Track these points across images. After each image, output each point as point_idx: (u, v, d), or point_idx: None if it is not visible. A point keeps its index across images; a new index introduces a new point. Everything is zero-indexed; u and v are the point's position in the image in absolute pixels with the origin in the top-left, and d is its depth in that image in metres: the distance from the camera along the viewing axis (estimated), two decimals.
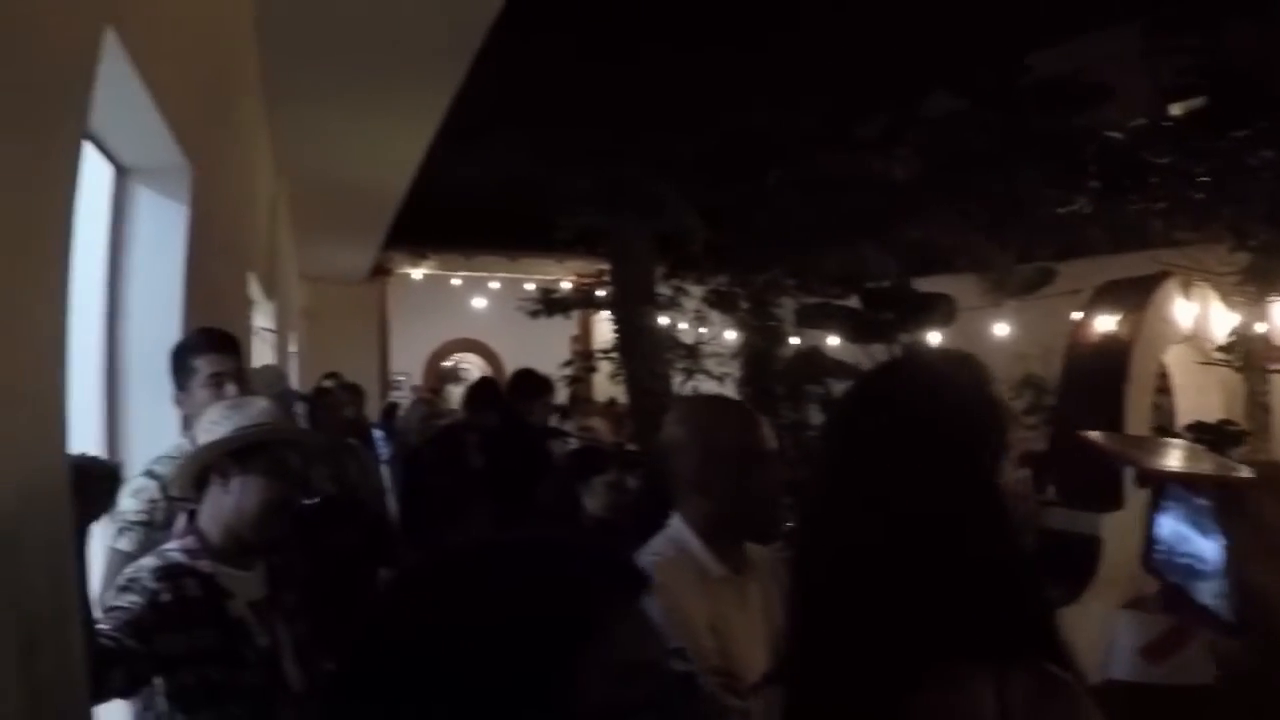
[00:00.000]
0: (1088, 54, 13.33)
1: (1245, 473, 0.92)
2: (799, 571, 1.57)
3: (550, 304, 13.19)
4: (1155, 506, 1.03)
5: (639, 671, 0.98)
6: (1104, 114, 10.92)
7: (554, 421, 7.46)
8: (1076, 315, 9.40)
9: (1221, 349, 8.59)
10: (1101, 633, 6.96)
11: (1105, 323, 8.61)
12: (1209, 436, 6.53)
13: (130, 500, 3.10)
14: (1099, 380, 8.39)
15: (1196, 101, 14.39)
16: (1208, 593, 0.94)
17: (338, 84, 7.18)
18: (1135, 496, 7.52)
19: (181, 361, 3.44)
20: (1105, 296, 8.96)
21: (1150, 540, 1.03)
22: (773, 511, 2.58)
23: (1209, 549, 0.94)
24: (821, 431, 1.69)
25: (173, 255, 3.61)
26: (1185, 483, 0.97)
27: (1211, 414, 8.46)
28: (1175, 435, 7.39)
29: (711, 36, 11.13)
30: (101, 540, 3.34)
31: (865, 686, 1.37)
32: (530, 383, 7.15)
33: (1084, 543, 7.35)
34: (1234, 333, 8.57)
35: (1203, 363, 8.95)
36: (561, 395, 13.10)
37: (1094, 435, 1.04)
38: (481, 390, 7.71)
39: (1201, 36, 14.29)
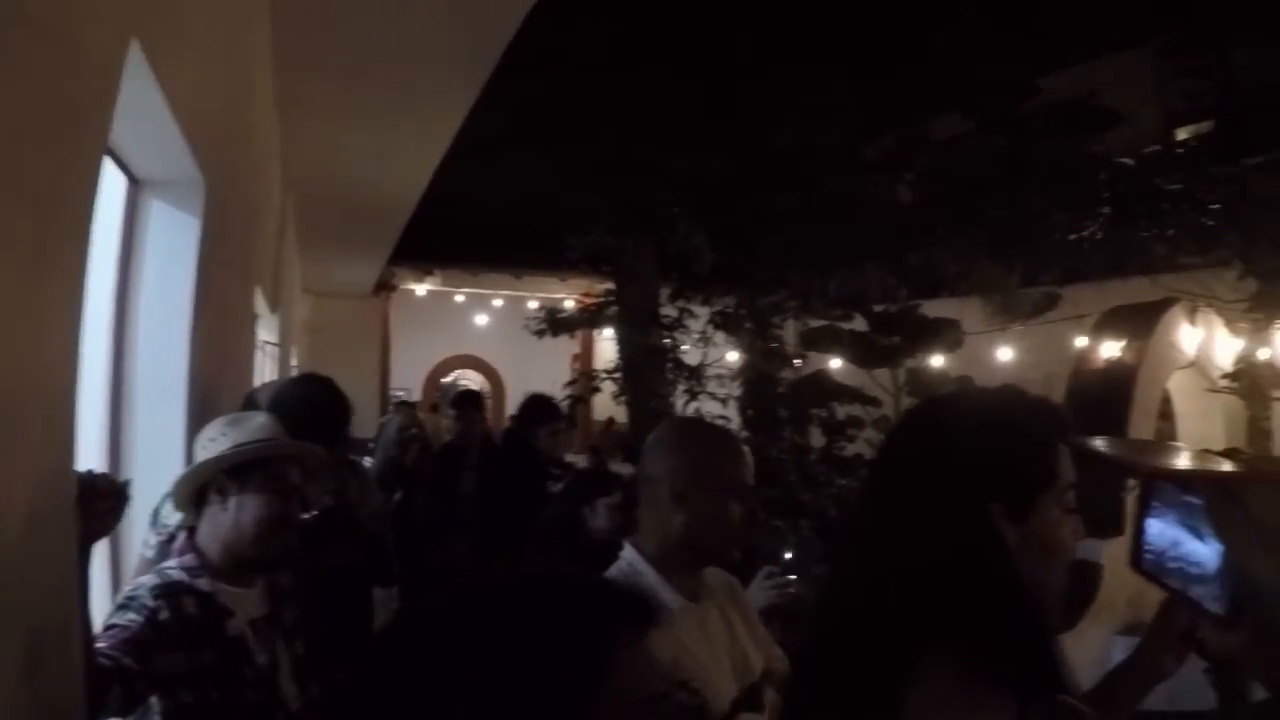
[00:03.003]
0: (1098, 78, 13.37)
1: (1236, 469, 0.93)
2: (828, 593, 1.56)
3: (555, 323, 13.16)
4: (1144, 507, 1.02)
5: (651, 705, 0.98)
6: (1114, 138, 10.94)
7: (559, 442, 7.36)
8: (1081, 340, 9.41)
9: (1227, 376, 8.58)
10: (1099, 659, 6.93)
11: (1110, 348, 8.61)
12: None
13: (175, 513, 3.07)
14: (1103, 406, 8.36)
15: (1204, 126, 14.51)
16: (1205, 596, 0.92)
17: (350, 98, 7.17)
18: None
19: None
20: (1111, 322, 8.95)
21: (1139, 542, 1.01)
22: (739, 543, 2.55)
23: (1205, 553, 0.93)
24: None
25: (183, 269, 3.59)
26: (1178, 481, 0.97)
27: (1214, 440, 8.47)
28: None
29: (726, 59, 11.17)
30: (107, 553, 3.32)
31: (879, 709, 1.38)
32: (537, 408, 7.10)
33: (1083, 568, 7.33)
34: (1240, 360, 8.57)
35: (1210, 389, 8.94)
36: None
37: (1089, 440, 1.03)
38: (466, 401, 7.77)
39: (1211, 61, 14.38)
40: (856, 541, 1.52)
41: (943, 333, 8.35)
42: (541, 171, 12.46)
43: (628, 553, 2.51)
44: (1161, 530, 0.98)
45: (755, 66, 11.14)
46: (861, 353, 8.67)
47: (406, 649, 1.01)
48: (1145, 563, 0.99)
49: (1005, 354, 10.89)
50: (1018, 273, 11.56)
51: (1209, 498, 0.93)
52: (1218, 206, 8.27)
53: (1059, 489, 1.44)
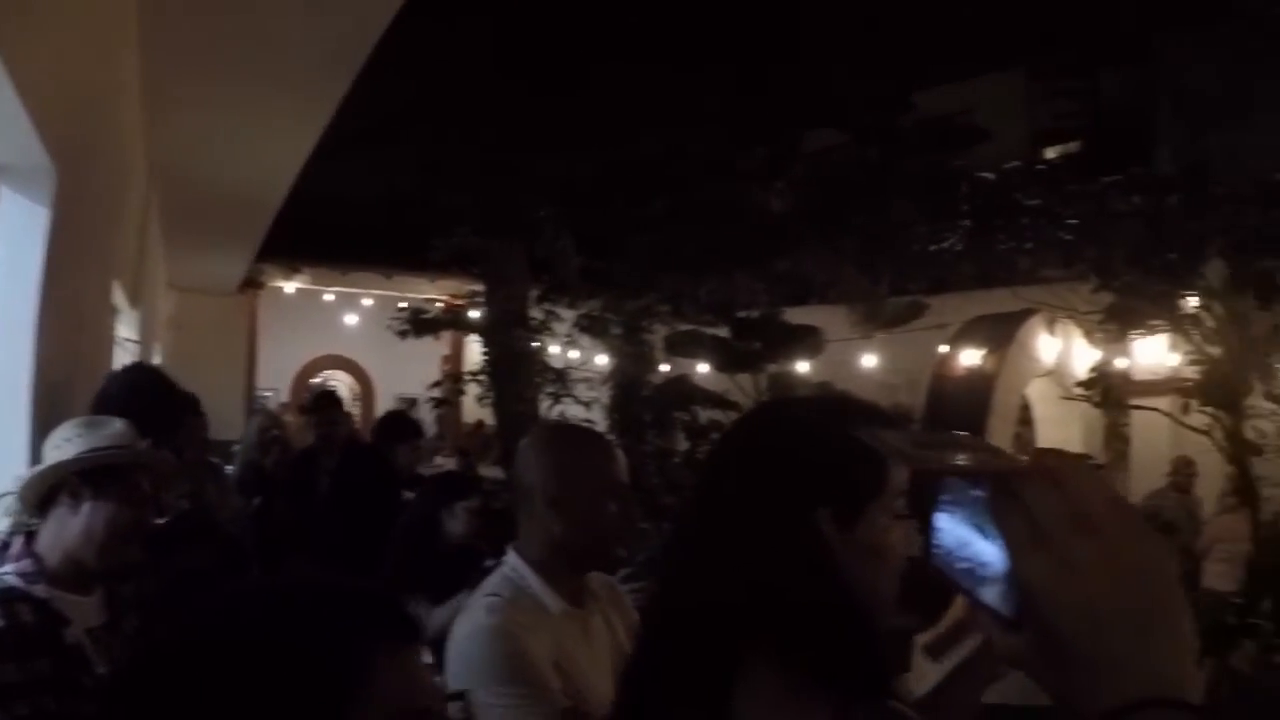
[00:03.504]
0: (972, 96, 13.75)
1: (1018, 461, 0.91)
2: (660, 595, 1.55)
3: (419, 324, 12.94)
4: (933, 503, 0.98)
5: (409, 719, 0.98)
6: (983, 155, 11.23)
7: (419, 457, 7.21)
8: (943, 348, 9.64)
9: (1082, 384, 8.85)
10: None
11: (971, 356, 8.83)
12: None
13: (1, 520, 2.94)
14: (963, 411, 8.58)
15: (1071, 146, 15.02)
16: (992, 596, 0.89)
17: (219, 87, 7.02)
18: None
19: None
20: (972, 331, 9.20)
21: (929, 539, 0.97)
22: (621, 543, 2.57)
23: (991, 551, 0.89)
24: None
25: (30, 259, 3.46)
26: (953, 474, 0.96)
27: (1072, 445, 8.71)
28: None
29: (600, 64, 11.18)
30: None
31: (707, 712, 1.37)
32: (397, 426, 6.98)
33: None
34: (1094, 369, 8.84)
35: (1065, 397, 9.20)
36: (427, 416, 12.99)
37: (881, 434, 1.00)
38: (325, 402, 7.65)
39: (1079, 85, 14.92)
40: (686, 543, 1.52)
41: (803, 339, 8.52)
42: (412, 170, 12.34)
43: (511, 558, 2.51)
44: (950, 527, 0.94)
45: (625, 70, 11.17)
46: (724, 358, 8.79)
47: (165, 651, 1.00)
48: (935, 560, 0.97)
49: (869, 360, 11.12)
50: (885, 282, 11.79)
51: (990, 492, 0.91)
52: (1075, 222, 8.52)
53: (889, 496, 1.44)
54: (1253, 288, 6.76)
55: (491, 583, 2.49)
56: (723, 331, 10.10)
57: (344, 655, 0.96)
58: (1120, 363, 9.18)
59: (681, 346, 9.41)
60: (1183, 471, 9.48)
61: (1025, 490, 0.87)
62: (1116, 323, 8.57)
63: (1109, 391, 8.68)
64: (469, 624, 2.39)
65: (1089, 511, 0.85)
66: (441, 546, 5.14)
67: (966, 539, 0.93)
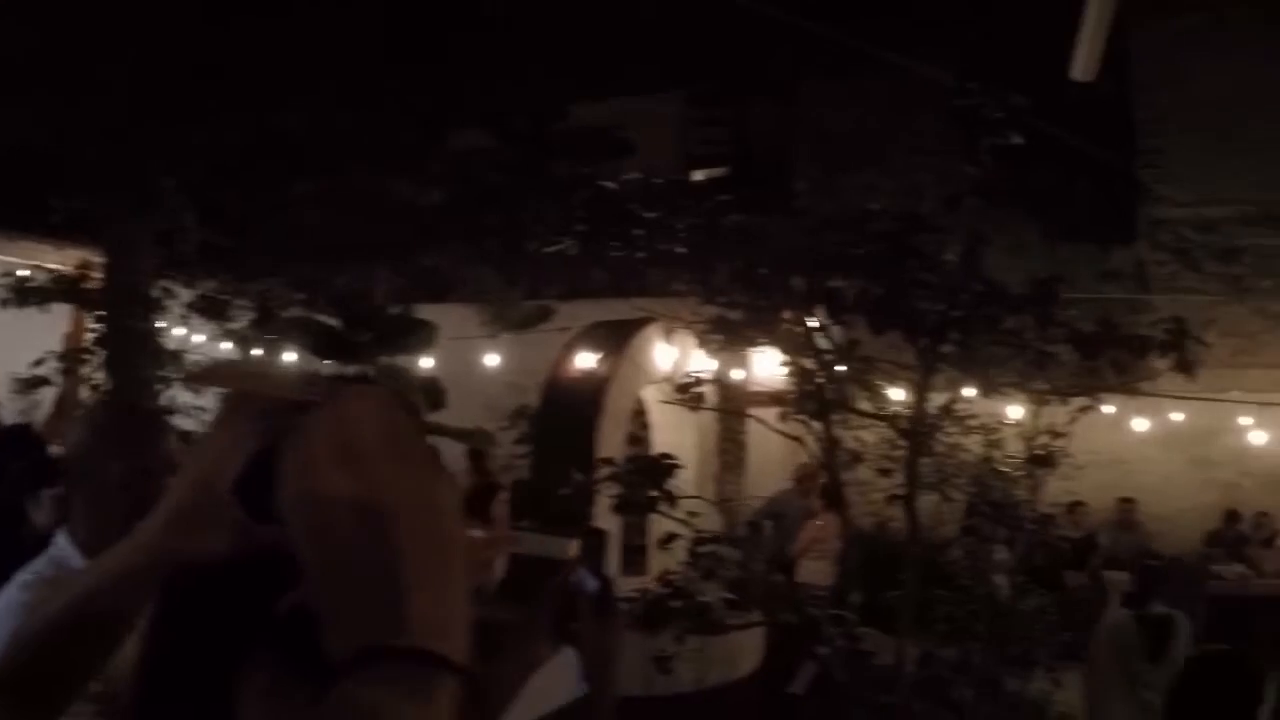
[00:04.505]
0: (630, 114, 14.25)
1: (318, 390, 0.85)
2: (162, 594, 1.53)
3: (23, 293, 12.07)
4: None
5: None
6: (635, 171, 11.59)
7: None
8: (561, 350, 9.97)
9: (678, 389, 9.28)
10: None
11: (586, 359, 9.14)
12: (646, 468, 7.06)
13: None
14: (576, 411, 8.88)
15: (717, 171, 15.78)
16: None
17: None
18: (608, 521, 8.02)
19: None
20: (589, 335, 9.54)
21: None
22: None
23: None
24: None
25: None
26: (245, 392, 0.93)
27: (686, 449, 9.15)
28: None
29: (255, 22, 10.87)
30: None
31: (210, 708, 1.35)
32: (17, 442, 6.57)
33: (553, 566, 7.70)
34: (690, 376, 9.27)
35: (663, 402, 9.64)
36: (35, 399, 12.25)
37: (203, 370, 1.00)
38: None
39: (729, 115, 15.73)
40: None
41: (414, 333, 8.57)
42: (41, 124, 11.64)
43: (60, 540, 2.51)
44: None
45: (274, 40, 10.93)
46: (329, 347, 8.76)
47: None
48: None
49: (498, 360, 11.37)
50: (520, 284, 12.05)
51: (276, 423, 0.88)
52: (685, 235, 8.92)
53: None
54: (824, 305, 7.24)
55: (37, 563, 2.48)
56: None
57: None
58: (735, 374, 9.66)
59: (285, 333, 9.28)
60: (806, 474, 10.70)
61: (305, 420, 0.83)
62: (720, 334, 9.03)
63: (700, 398, 9.11)
64: (1, 602, 2.36)
65: (358, 444, 0.80)
66: (27, 537, 4.96)
67: None
